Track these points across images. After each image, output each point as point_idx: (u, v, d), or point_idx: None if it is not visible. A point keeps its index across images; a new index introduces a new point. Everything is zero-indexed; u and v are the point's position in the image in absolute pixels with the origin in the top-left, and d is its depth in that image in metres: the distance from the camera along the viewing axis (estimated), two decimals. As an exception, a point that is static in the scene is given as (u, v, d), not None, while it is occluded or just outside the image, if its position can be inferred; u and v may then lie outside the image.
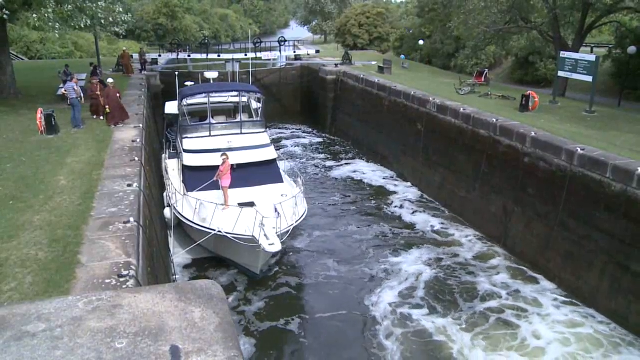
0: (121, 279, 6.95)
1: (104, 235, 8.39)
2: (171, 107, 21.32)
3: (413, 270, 15.57)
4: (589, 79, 20.23)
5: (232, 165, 14.87)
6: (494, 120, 17.75)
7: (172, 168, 18.20)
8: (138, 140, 14.77)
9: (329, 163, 26.50)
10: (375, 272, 15.48)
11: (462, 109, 19.56)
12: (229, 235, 13.03)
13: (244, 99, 20.26)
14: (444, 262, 16.10)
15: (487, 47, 33.22)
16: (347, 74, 30.57)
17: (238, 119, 18.53)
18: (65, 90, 17.75)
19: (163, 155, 20.45)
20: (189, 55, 36.80)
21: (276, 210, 13.45)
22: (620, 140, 15.76)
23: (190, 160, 16.58)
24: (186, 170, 16.58)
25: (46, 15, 16.96)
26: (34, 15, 17.53)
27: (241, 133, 17.53)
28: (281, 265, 15.73)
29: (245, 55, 32.89)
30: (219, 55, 37.15)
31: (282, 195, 15.28)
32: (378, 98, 26.35)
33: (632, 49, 23.06)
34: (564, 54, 21.58)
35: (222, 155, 14.57)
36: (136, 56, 32.35)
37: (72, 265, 7.36)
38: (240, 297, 14.00)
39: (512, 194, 16.64)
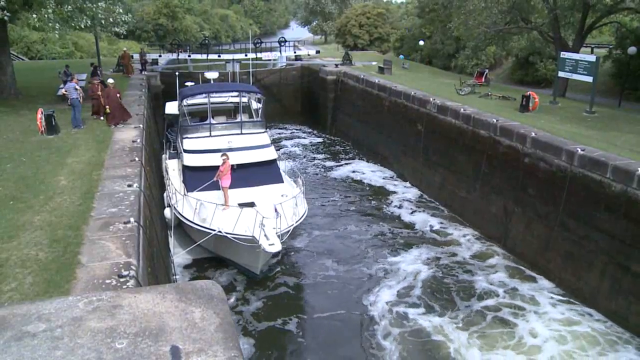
0: (121, 279, 6.95)
1: (104, 235, 8.39)
2: (171, 107, 21.34)
3: (412, 269, 15.59)
4: (589, 79, 20.24)
5: (232, 166, 14.87)
6: (494, 120, 17.75)
7: (172, 168, 18.20)
8: (138, 140, 14.77)
9: (329, 163, 26.51)
10: (374, 272, 15.49)
11: (462, 110, 19.56)
12: (229, 236, 13.03)
13: (244, 99, 20.26)
14: (443, 261, 16.11)
15: (487, 48, 33.25)
16: (347, 75, 30.57)
17: (238, 119, 18.53)
18: (66, 91, 17.75)
19: (163, 156, 20.46)
20: (189, 56, 36.82)
21: (276, 210, 13.45)
22: (621, 141, 15.77)
23: (190, 160, 16.58)
24: (186, 170, 16.58)
25: (46, 15, 16.96)
26: (34, 16, 17.53)
27: (241, 133, 17.53)
28: (281, 265, 15.74)
29: (246, 55, 32.90)
30: (219, 56, 37.16)
31: (282, 196, 15.28)
32: (378, 98, 26.35)
33: (632, 50, 23.06)
34: (564, 55, 21.58)
35: (222, 155, 14.57)
36: (136, 56, 32.35)
37: (72, 266, 7.36)
38: (240, 297, 14.01)
39: (512, 194, 16.64)
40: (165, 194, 17.19)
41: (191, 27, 74.04)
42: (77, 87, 17.28)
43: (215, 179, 14.70)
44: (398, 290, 14.45)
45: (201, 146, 16.86)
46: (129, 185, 10.73)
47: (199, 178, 15.66)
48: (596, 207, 13.49)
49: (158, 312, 3.32)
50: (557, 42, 25.77)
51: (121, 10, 20.84)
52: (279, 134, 32.59)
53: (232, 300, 13.71)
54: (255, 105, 20.29)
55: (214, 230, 13.31)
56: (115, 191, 10.48)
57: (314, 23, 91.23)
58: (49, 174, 11.64)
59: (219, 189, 14.82)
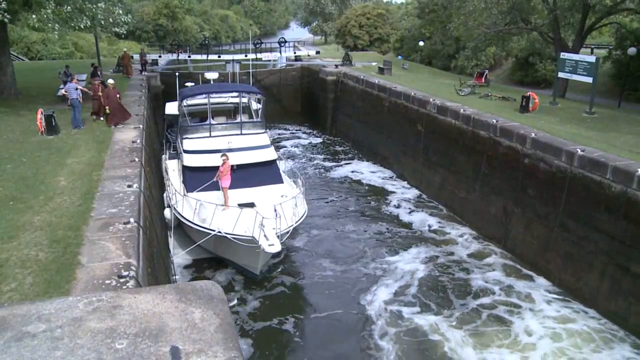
0: (121, 280, 6.95)
1: (104, 235, 8.39)
2: (171, 108, 21.34)
3: (411, 269, 15.64)
4: (589, 80, 20.26)
5: (232, 166, 14.87)
6: (494, 121, 17.76)
7: (172, 168, 18.20)
8: (138, 140, 14.78)
9: (328, 163, 26.52)
10: (373, 272, 15.50)
11: (462, 110, 19.57)
12: (228, 236, 13.03)
13: (244, 100, 20.27)
14: (442, 261, 16.16)
15: (487, 48, 33.26)
16: (347, 75, 30.58)
17: (238, 120, 18.53)
18: (66, 91, 17.76)
19: (163, 156, 20.46)
20: (189, 56, 36.84)
21: (276, 210, 13.46)
22: (620, 141, 15.78)
23: (190, 160, 16.58)
24: (186, 170, 16.58)
25: (45, 16, 16.97)
26: (34, 16, 17.54)
27: (241, 134, 17.53)
28: (280, 265, 15.75)
29: (246, 56, 32.92)
30: (219, 56, 37.20)
31: (282, 196, 15.28)
32: (378, 99, 26.36)
33: (632, 50, 23.08)
34: (564, 55, 21.60)
35: (222, 155, 14.58)
36: (137, 57, 32.37)
37: (72, 266, 7.36)
38: (239, 297, 14.02)
39: (512, 195, 16.65)
40: (165, 195, 17.20)
41: (191, 27, 74.06)
42: (79, 87, 17.29)
43: (215, 179, 14.71)
44: (396, 290, 14.49)
45: (201, 146, 16.86)
46: (129, 186, 10.74)
47: (198, 178, 15.66)
48: (596, 207, 13.50)
49: (158, 313, 3.32)
50: (557, 42, 25.78)
51: (121, 11, 20.82)
52: (279, 134, 32.60)
53: (234, 302, 13.71)
54: (255, 105, 20.30)
55: (214, 231, 13.31)
56: (115, 191, 10.48)
57: (314, 24, 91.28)
58: (49, 174, 11.65)
59: (219, 190, 14.82)
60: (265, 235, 12.31)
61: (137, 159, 12.78)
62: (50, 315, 3.26)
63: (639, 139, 16.18)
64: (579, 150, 14.18)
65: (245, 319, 13.13)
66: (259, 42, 41.22)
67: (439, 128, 20.92)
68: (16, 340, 3.01)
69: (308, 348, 12.27)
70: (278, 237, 12.56)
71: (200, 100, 19.66)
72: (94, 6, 18.61)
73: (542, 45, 31.01)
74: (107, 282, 6.90)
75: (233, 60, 33.19)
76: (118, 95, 17.13)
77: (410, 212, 20.11)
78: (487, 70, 30.75)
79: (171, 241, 15.79)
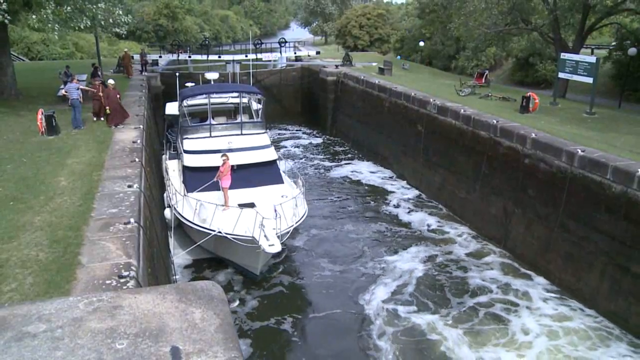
0: (121, 280, 6.95)
1: (104, 236, 8.39)
2: (172, 108, 21.36)
3: (411, 269, 15.66)
4: (590, 80, 20.27)
5: (232, 166, 14.87)
6: (494, 121, 17.76)
7: (172, 169, 18.21)
8: (138, 141, 14.78)
9: (329, 164, 26.53)
10: (373, 271, 15.51)
11: (462, 110, 19.57)
12: (229, 236, 13.03)
13: (245, 100, 20.28)
14: (442, 261, 16.18)
15: (487, 49, 33.29)
16: (347, 75, 30.59)
17: (238, 120, 18.54)
18: (66, 91, 17.77)
19: (163, 156, 20.47)
20: (189, 56, 36.86)
21: (276, 211, 13.46)
22: (621, 142, 15.78)
23: (190, 161, 16.59)
24: (186, 170, 16.58)
25: (45, 16, 16.98)
26: (34, 17, 17.54)
27: (241, 134, 17.53)
28: (280, 265, 15.75)
29: (246, 56, 32.92)
30: (219, 56, 37.21)
31: (282, 196, 15.28)
32: (378, 99, 26.36)
33: (632, 51, 23.08)
34: (564, 56, 21.61)
35: (222, 156, 14.58)
36: (137, 57, 32.39)
37: (72, 266, 7.36)
38: (239, 297, 14.03)
39: (512, 195, 16.64)
40: (165, 195, 17.20)
41: (191, 27, 74.10)
42: (80, 86, 17.33)
43: (215, 179, 14.71)
44: (395, 289, 14.53)
45: (201, 147, 16.86)
46: (129, 186, 10.74)
47: (199, 178, 15.66)
48: (596, 208, 13.49)
49: (158, 313, 3.32)
50: (557, 43, 25.78)
51: (121, 12, 20.82)
52: (279, 134, 32.61)
53: (235, 303, 13.72)
54: (255, 105, 20.30)
55: (214, 231, 13.31)
56: (115, 192, 10.49)
57: (314, 24, 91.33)
58: (49, 174, 11.65)
59: (219, 190, 14.82)
60: (265, 236, 12.31)
61: (137, 159, 12.78)
62: (51, 315, 3.26)
63: (639, 139, 16.18)
64: (579, 151, 14.18)
65: (245, 319, 13.13)
66: (259, 42, 41.23)
67: (439, 128, 20.92)
68: (16, 341, 3.01)
69: (308, 348, 12.28)
70: (278, 237, 12.55)
71: (200, 100, 19.67)
72: (94, 6, 18.62)
73: (542, 45, 31.02)
74: (108, 282, 6.90)
75: (233, 60, 33.18)
76: (118, 96, 17.15)
77: (410, 212, 20.12)
78: (487, 71, 30.75)
79: (171, 241, 15.79)
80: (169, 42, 50.27)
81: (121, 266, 7.33)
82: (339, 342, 12.52)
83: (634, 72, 25.02)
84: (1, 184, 10.98)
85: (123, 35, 38.75)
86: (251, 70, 26.72)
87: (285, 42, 39.72)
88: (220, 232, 13.17)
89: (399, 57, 43.21)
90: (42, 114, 15.34)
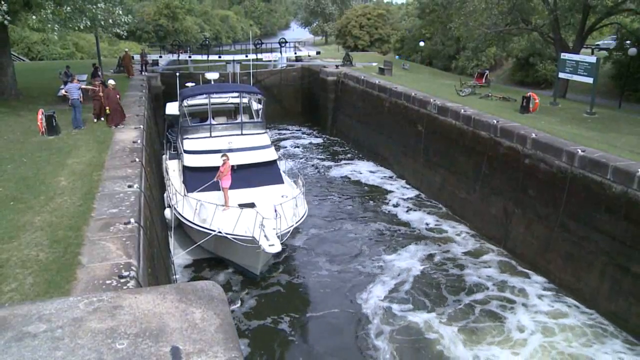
0: (122, 280, 6.95)
1: (104, 236, 8.39)
2: (172, 108, 21.36)
3: (411, 268, 15.72)
4: (590, 80, 20.27)
5: (233, 166, 14.88)
6: (495, 121, 17.76)
7: (172, 169, 18.21)
8: (139, 141, 14.78)
9: (329, 164, 26.53)
10: (372, 271, 15.54)
11: (462, 110, 19.57)
12: (229, 236, 13.03)
13: (245, 100, 20.28)
14: (442, 260, 16.22)
15: (487, 49, 33.27)
16: (347, 75, 30.59)
17: (238, 120, 18.54)
18: (67, 91, 17.78)
19: (163, 156, 20.47)
20: (189, 57, 36.86)
21: (276, 211, 13.46)
22: (621, 142, 15.78)
23: (190, 161, 16.59)
24: (186, 171, 16.59)
25: (45, 16, 16.98)
26: (34, 17, 17.54)
27: (242, 134, 17.53)
28: (279, 265, 15.76)
29: (246, 56, 32.92)
30: (219, 57, 37.20)
31: (282, 196, 15.28)
32: (378, 99, 26.36)
33: (632, 51, 23.08)
34: (564, 56, 21.60)
35: (222, 156, 14.58)
36: (137, 57, 32.40)
37: (72, 266, 7.36)
38: (239, 297, 14.04)
39: (512, 196, 16.64)
40: (165, 195, 17.20)
41: (192, 28, 74.10)
42: (82, 86, 17.35)
43: (215, 179, 14.71)
44: (397, 288, 14.57)
45: (201, 147, 16.87)
46: (130, 186, 10.74)
47: (199, 179, 15.67)
48: (596, 208, 13.49)
49: (158, 313, 3.32)
50: (558, 43, 25.78)
51: (121, 12, 20.82)
52: (280, 134, 32.61)
53: (237, 305, 13.72)
54: (255, 106, 20.31)
55: (214, 231, 13.31)
56: (115, 192, 10.49)
57: (315, 24, 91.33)
58: (50, 174, 11.65)
59: (219, 190, 14.83)
60: (265, 236, 12.31)
61: (137, 159, 12.78)
62: (51, 315, 3.26)
63: (639, 139, 16.22)
64: (580, 151, 14.18)
65: (245, 318, 13.14)
66: (260, 42, 41.23)
67: (439, 128, 20.92)
68: (17, 341, 3.01)
69: (307, 347, 12.30)
70: (278, 237, 12.55)
71: (200, 100, 19.67)
72: (94, 7, 18.61)
73: (542, 45, 31.01)
74: (108, 282, 6.90)
75: (233, 60, 33.17)
76: (118, 96, 17.15)
77: (410, 212, 20.13)
78: (487, 71, 30.75)
79: (171, 241, 15.79)
80: (169, 42, 50.28)
81: (121, 266, 7.33)
82: (338, 341, 12.54)
83: (634, 72, 25.01)
84: (1, 184, 10.98)
85: (123, 36, 38.70)
86: (251, 71, 26.73)
87: (286, 42, 39.72)
88: (220, 232, 13.17)
89: (397, 56, 43.22)
90: (43, 114, 15.35)
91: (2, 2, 15.92)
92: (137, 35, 67.42)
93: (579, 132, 17.00)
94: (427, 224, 18.99)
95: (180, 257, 15.51)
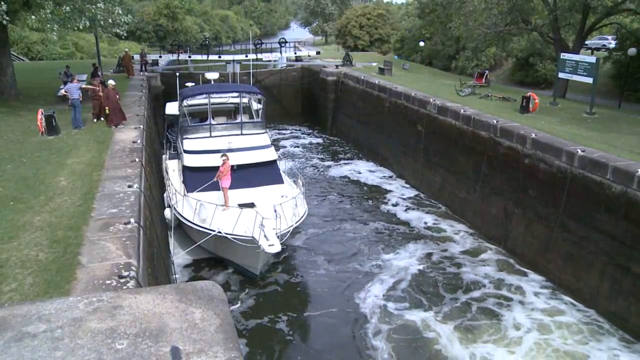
0: (121, 280, 6.95)
1: (104, 236, 8.39)
2: (172, 108, 21.35)
3: (410, 267, 15.76)
4: (590, 80, 20.27)
5: (232, 166, 14.88)
6: (495, 121, 17.76)
7: (172, 169, 18.21)
8: (138, 141, 14.78)
9: (329, 164, 26.53)
10: (373, 270, 15.55)
11: (462, 110, 19.57)
12: (228, 236, 13.03)
13: (245, 100, 20.28)
14: (442, 260, 16.23)
15: (487, 49, 33.26)
16: (347, 75, 30.59)
17: (238, 120, 18.54)
18: (66, 91, 17.78)
19: (163, 156, 20.47)
20: (189, 56, 36.85)
21: (276, 211, 13.45)
22: (621, 142, 15.78)
23: (190, 160, 16.59)
24: (186, 170, 16.59)
25: (44, 16, 16.97)
26: (33, 17, 17.53)
27: (241, 134, 17.53)
28: (279, 265, 15.77)
29: (246, 56, 32.92)
30: (219, 57, 37.21)
31: (282, 196, 15.28)
32: (378, 99, 26.36)
33: (632, 51, 23.08)
34: (564, 56, 21.60)
35: (222, 156, 14.58)
36: (137, 57, 32.40)
37: (72, 266, 7.36)
38: (238, 296, 14.05)
39: (512, 196, 16.64)
40: (165, 195, 17.20)
41: (191, 27, 74.11)
42: (82, 86, 17.35)
43: (215, 179, 14.71)
44: (398, 288, 14.59)
45: (201, 147, 16.86)
46: (129, 186, 10.74)
47: (199, 178, 15.66)
48: (596, 208, 13.49)
49: (158, 313, 3.32)
50: (557, 43, 25.79)
51: (120, 12, 20.81)
52: (280, 134, 32.61)
53: (237, 305, 13.73)
54: (255, 105, 20.30)
55: (214, 231, 13.31)
56: (115, 192, 10.49)
57: (315, 24, 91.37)
58: (49, 174, 11.65)
59: (219, 190, 14.82)
60: (265, 236, 12.31)
61: (137, 159, 12.78)
62: (51, 315, 3.26)
63: (639, 139, 16.19)
64: (580, 151, 14.18)
65: (245, 318, 13.14)
66: (260, 42, 41.22)
67: (439, 128, 20.93)
68: (16, 341, 3.01)
69: (306, 347, 12.32)
70: (278, 237, 12.55)
71: (200, 100, 19.67)
72: (93, 7, 18.59)
73: (542, 45, 31.02)
74: (108, 282, 6.90)
75: (233, 60, 33.17)
76: (117, 96, 17.14)
77: (409, 212, 20.14)
78: (487, 71, 30.75)
79: (171, 241, 15.79)
80: (169, 42, 50.28)
81: (121, 266, 7.33)
82: (337, 340, 12.56)
83: (633, 72, 25.02)
84: (1, 184, 10.98)
85: (123, 36, 38.73)
86: (251, 70, 26.72)
87: (286, 42, 39.72)
88: (220, 232, 13.17)
89: (396, 56, 43.22)
90: (42, 114, 15.34)
91: (2, 2, 15.90)
92: (137, 35, 67.43)
93: (578, 132, 17.00)
94: (426, 224, 19.02)
95: (180, 257, 15.51)
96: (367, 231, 18.41)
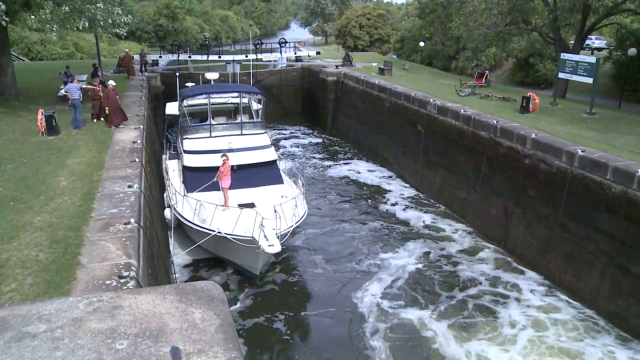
0: (121, 280, 6.95)
1: (104, 236, 8.39)
2: (172, 108, 21.35)
3: (412, 267, 15.79)
4: (590, 80, 20.27)
5: (232, 166, 14.87)
6: (495, 121, 17.76)
7: (172, 169, 18.21)
8: (138, 141, 14.78)
9: (328, 164, 26.53)
10: (374, 270, 15.57)
11: (462, 111, 19.57)
12: (228, 236, 13.03)
13: (245, 100, 20.28)
14: (441, 259, 16.27)
15: (487, 49, 33.28)
16: (347, 75, 30.59)
17: (238, 120, 18.54)
18: (67, 91, 17.78)
19: (163, 156, 20.47)
20: (189, 57, 36.86)
21: (276, 211, 13.45)
22: (621, 142, 15.79)
23: (190, 161, 16.59)
24: (186, 171, 16.59)
25: (44, 16, 16.97)
26: (33, 17, 17.53)
27: (241, 134, 17.53)
28: (278, 264, 15.77)
29: (246, 56, 32.92)
30: (219, 57, 37.22)
31: (282, 197, 15.28)
32: (378, 99, 26.36)
33: (632, 51, 23.09)
34: (564, 56, 21.60)
35: (222, 156, 14.58)
36: (137, 57, 32.40)
37: (72, 266, 7.36)
38: (238, 296, 14.06)
39: (512, 196, 16.64)
40: (165, 195, 17.20)
41: (192, 28, 74.13)
42: (82, 86, 17.36)
43: (215, 179, 14.71)
44: (399, 287, 14.65)
45: (201, 147, 16.86)
46: (129, 186, 10.74)
47: (199, 179, 15.66)
48: (596, 208, 13.49)
49: (158, 313, 3.32)
50: (557, 43, 25.79)
51: (120, 12, 20.80)
52: (279, 134, 32.61)
53: (237, 305, 13.73)
54: (255, 106, 20.30)
55: (214, 231, 13.31)
56: (115, 192, 10.49)
57: (315, 24, 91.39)
58: (50, 174, 11.65)
59: (219, 190, 14.82)
60: (265, 236, 12.30)
61: (137, 160, 12.78)
62: (51, 315, 3.26)
63: (639, 139, 16.19)
64: (580, 151, 14.18)
65: (244, 318, 13.15)
66: (260, 42, 41.23)
67: (439, 129, 20.93)
68: (16, 341, 3.01)
69: (305, 346, 12.33)
70: (278, 237, 12.55)
71: (200, 100, 19.67)
72: (93, 7, 18.59)
73: (542, 45, 31.03)
74: (108, 282, 6.90)
75: (233, 60, 33.17)
76: (117, 97, 17.15)
77: (409, 212, 20.15)
78: (487, 71, 30.76)
79: (171, 241, 15.79)
80: (169, 43, 50.25)
81: (121, 266, 7.33)
82: (336, 339, 12.57)
83: (633, 72, 25.03)
84: (1, 184, 10.98)
85: (123, 36, 38.73)
86: (251, 71, 26.72)
87: (286, 42, 39.72)
88: (220, 232, 13.16)
89: (394, 56, 43.21)
90: (42, 114, 15.34)
91: (1, 3, 15.90)
92: (137, 36, 67.44)
93: (578, 132, 17.00)
94: (425, 223, 19.04)
95: (180, 257, 15.51)
96: (366, 231, 18.43)
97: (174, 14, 71.04)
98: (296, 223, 14.48)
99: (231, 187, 14.70)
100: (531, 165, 15.82)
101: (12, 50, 32.25)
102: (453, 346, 12.06)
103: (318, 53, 43.21)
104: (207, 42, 40.73)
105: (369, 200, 21.42)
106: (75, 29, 19.42)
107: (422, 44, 42.31)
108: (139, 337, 3.08)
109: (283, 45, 38.79)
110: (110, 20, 20.36)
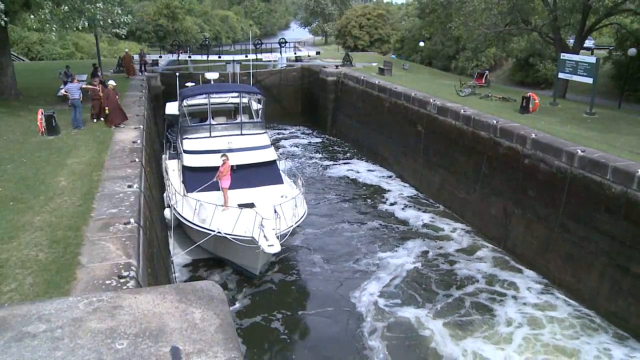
0: (121, 280, 6.95)
1: (104, 236, 8.39)
2: (171, 108, 21.35)
3: (411, 266, 15.81)
4: (589, 80, 20.27)
5: (232, 166, 14.87)
6: (494, 121, 17.76)
7: (172, 169, 18.21)
8: (138, 141, 14.78)
9: (328, 164, 26.54)
10: (373, 269, 15.59)
11: (462, 111, 19.57)
12: (228, 236, 13.03)
13: (245, 100, 20.27)
14: (439, 259, 16.30)
15: (487, 49, 33.29)
16: (347, 76, 30.59)
17: (238, 120, 18.54)
18: (67, 91, 17.78)
19: (163, 156, 20.47)
20: (189, 57, 36.86)
21: (275, 211, 13.45)
22: (621, 142, 15.79)
23: (190, 161, 16.59)
24: (186, 171, 16.59)
25: (43, 16, 16.97)
26: (32, 17, 17.52)
27: (241, 134, 17.53)
28: (278, 264, 15.78)
29: (246, 56, 32.91)
30: (219, 57, 37.22)
31: (281, 197, 15.28)
32: (378, 99, 26.36)
33: (632, 51, 23.10)
34: (564, 56, 21.61)
35: (222, 156, 14.58)
36: (136, 57, 32.39)
37: (72, 266, 7.36)
38: (237, 296, 14.06)
39: (512, 196, 16.65)
40: (165, 195, 17.20)
41: (191, 28, 74.14)
42: (82, 86, 17.36)
43: (215, 179, 14.71)
44: (399, 287, 14.69)
45: (201, 147, 16.86)
46: (129, 186, 10.74)
47: (198, 179, 15.66)
48: (596, 208, 13.50)
49: (158, 313, 3.32)
50: (557, 43, 25.80)
51: (119, 12, 20.79)
52: (279, 134, 32.62)
53: (236, 305, 13.73)
54: (255, 106, 20.30)
55: (214, 231, 13.31)
56: (115, 192, 10.49)
57: (315, 24, 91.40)
58: (49, 174, 11.65)
59: (219, 190, 14.82)
60: (264, 236, 12.31)
61: (137, 159, 12.78)
62: (51, 315, 3.26)
63: (639, 139, 16.20)
64: (579, 151, 14.19)
65: (244, 318, 13.15)
66: (260, 42, 41.23)
67: (439, 129, 20.93)
68: (16, 341, 3.01)
69: (305, 346, 12.34)
70: (278, 237, 12.55)
71: (200, 100, 19.67)
72: (93, 6, 18.58)
73: (542, 45, 31.04)
74: (107, 282, 6.90)
75: (233, 60, 33.17)
76: (117, 97, 17.14)
77: (408, 212, 20.15)
78: (487, 71, 30.76)
79: (171, 241, 15.79)
80: (169, 42, 50.25)
81: (121, 266, 7.33)
82: (335, 339, 12.59)
83: (633, 72, 25.04)
84: (1, 184, 10.97)
85: (123, 36, 38.71)
86: (251, 71, 26.71)
87: (286, 42, 39.72)
88: (219, 232, 13.16)
89: (393, 56, 43.21)
90: (42, 114, 15.34)
91: (0, 2, 15.90)
92: (137, 35, 67.44)
93: (578, 133, 17.01)
94: (424, 223, 19.05)
95: (179, 257, 15.51)
96: (365, 230, 18.45)
97: (173, 14, 71.05)
98: (296, 223, 14.47)
99: (231, 187, 14.70)
100: (531, 166, 15.82)
101: (12, 50, 32.24)
102: (450, 344, 12.12)
103: (318, 53, 43.21)
104: (207, 42, 40.74)
105: (369, 200, 21.43)
106: (75, 28, 19.41)
107: (422, 44, 42.32)
108: (139, 337, 3.08)
109: (283, 45, 38.79)
110: (110, 20, 20.36)
